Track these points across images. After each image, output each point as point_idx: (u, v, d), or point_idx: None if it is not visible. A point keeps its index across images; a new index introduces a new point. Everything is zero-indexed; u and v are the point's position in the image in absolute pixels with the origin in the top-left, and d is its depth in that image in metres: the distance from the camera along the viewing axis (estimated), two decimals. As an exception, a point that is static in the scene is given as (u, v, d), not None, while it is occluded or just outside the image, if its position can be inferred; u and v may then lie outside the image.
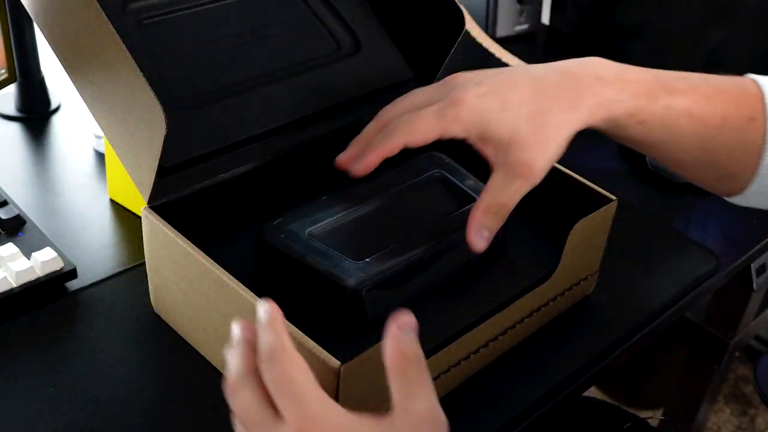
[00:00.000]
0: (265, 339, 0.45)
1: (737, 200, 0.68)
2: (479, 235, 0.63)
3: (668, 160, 0.68)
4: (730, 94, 0.65)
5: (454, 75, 0.65)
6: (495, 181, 0.62)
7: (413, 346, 0.46)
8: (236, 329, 0.47)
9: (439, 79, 0.80)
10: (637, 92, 0.62)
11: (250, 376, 0.45)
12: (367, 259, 0.63)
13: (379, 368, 0.54)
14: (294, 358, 0.45)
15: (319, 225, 0.66)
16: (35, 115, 0.96)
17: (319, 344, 0.53)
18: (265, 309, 0.47)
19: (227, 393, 0.46)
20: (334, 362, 0.52)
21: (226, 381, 0.47)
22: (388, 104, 0.66)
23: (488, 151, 0.62)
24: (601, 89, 0.62)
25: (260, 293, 0.57)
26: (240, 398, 0.45)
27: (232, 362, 0.46)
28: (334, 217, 0.67)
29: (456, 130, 0.61)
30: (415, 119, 0.62)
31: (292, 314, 0.51)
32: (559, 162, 0.74)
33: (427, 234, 0.67)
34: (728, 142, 0.65)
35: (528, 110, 0.61)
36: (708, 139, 0.64)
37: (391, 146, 0.62)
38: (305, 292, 0.64)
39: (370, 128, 0.66)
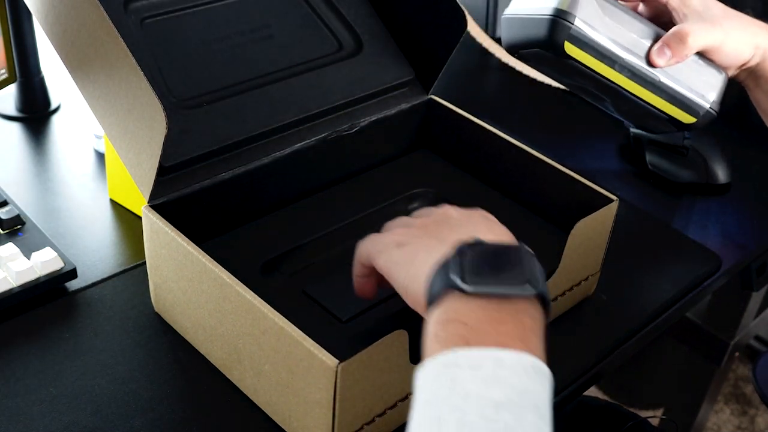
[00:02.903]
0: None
1: None
2: (661, 52, 0.69)
3: None
4: None
5: None
6: (690, 22, 0.70)
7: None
8: None
9: (439, 80, 0.80)
10: None
11: None
12: None
13: (376, 367, 0.54)
14: None
15: None
16: (35, 115, 0.95)
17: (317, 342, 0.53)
18: None
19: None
20: (332, 361, 0.52)
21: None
22: None
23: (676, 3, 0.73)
24: None
25: None
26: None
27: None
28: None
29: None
30: None
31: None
32: (559, 162, 0.74)
33: None
34: None
35: (726, 11, 0.73)
36: None
37: None
38: None
39: None
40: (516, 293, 0.48)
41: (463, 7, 0.75)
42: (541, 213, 0.76)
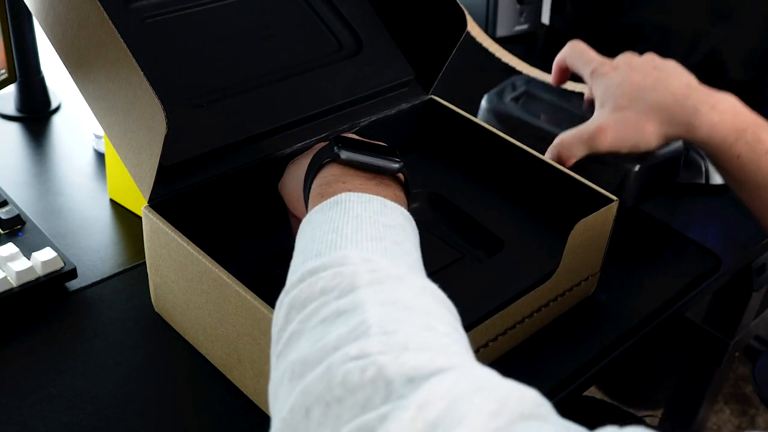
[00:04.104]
0: None
1: None
2: (550, 155, 0.76)
3: None
4: None
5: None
6: (572, 132, 0.75)
7: None
8: None
9: (439, 80, 0.80)
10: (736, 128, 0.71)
11: None
12: None
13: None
14: None
15: None
16: (35, 115, 0.95)
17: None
18: None
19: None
20: None
21: None
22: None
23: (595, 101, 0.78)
24: (710, 116, 0.71)
25: None
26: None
27: None
28: None
29: (586, 77, 0.79)
30: (578, 46, 0.82)
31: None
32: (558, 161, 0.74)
33: None
34: None
35: (627, 95, 0.74)
36: None
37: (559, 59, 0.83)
38: None
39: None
40: (384, 164, 0.57)
41: (463, 7, 0.75)
42: (541, 213, 0.76)
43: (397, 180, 0.58)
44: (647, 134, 0.73)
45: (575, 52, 0.81)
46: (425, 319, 0.42)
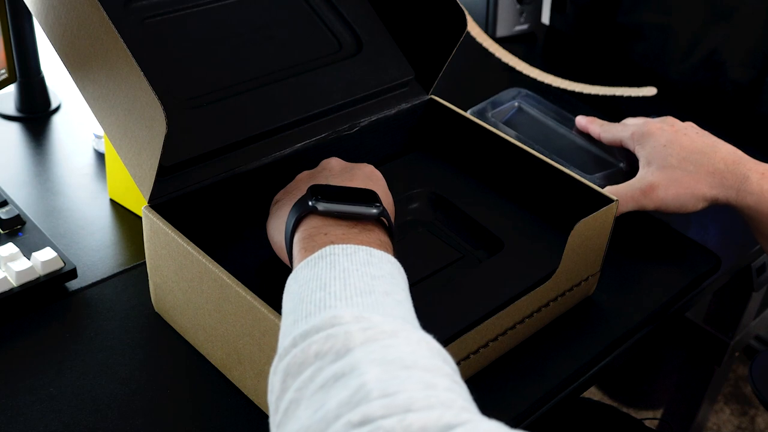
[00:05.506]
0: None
1: None
2: None
3: None
4: None
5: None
6: (620, 188, 0.77)
7: None
8: None
9: (439, 80, 0.80)
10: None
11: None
12: None
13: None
14: None
15: None
16: (35, 115, 0.95)
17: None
18: None
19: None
20: None
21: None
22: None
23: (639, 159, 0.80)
24: (761, 183, 0.74)
25: None
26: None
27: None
28: None
29: (627, 140, 0.82)
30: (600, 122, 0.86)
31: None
32: (559, 162, 0.74)
33: None
34: None
35: (676, 155, 0.76)
36: None
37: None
38: None
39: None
40: (362, 212, 0.56)
41: (463, 7, 0.75)
42: (541, 213, 0.76)
43: (380, 223, 0.57)
44: (697, 196, 0.75)
45: (604, 127, 0.85)
46: (425, 376, 0.41)
